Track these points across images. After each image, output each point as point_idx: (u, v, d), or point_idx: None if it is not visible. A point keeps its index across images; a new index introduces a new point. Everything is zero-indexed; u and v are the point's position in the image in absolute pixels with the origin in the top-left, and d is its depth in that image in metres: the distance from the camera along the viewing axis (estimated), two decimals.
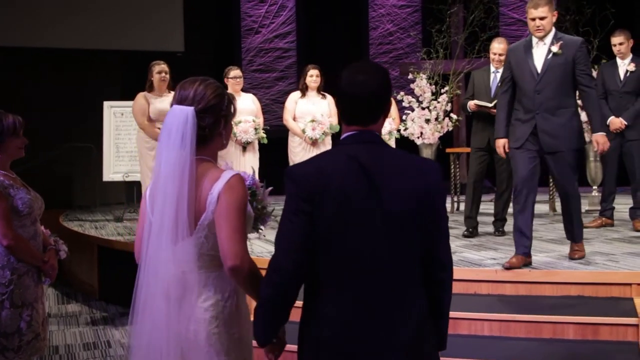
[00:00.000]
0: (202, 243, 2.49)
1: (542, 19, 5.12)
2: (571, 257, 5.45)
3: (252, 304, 2.45)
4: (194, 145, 2.47)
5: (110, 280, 7.20)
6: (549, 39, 5.17)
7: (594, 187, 8.68)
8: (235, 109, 2.67)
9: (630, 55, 7.08)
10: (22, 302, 3.59)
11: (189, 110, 2.47)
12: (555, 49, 5.12)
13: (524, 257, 5.18)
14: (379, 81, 2.34)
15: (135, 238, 2.69)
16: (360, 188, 2.25)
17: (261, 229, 3.09)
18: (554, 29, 5.21)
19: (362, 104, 2.33)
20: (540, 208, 8.83)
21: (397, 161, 2.34)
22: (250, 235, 2.89)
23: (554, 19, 5.21)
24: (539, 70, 5.15)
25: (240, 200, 2.48)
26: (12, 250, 3.54)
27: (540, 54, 5.18)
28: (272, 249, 5.85)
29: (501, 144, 5.37)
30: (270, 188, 3.15)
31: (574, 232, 5.46)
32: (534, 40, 5.23)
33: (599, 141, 5.19)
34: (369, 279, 2.26)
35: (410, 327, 2.28)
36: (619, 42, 7.06)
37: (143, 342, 2.52)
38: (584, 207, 8.60)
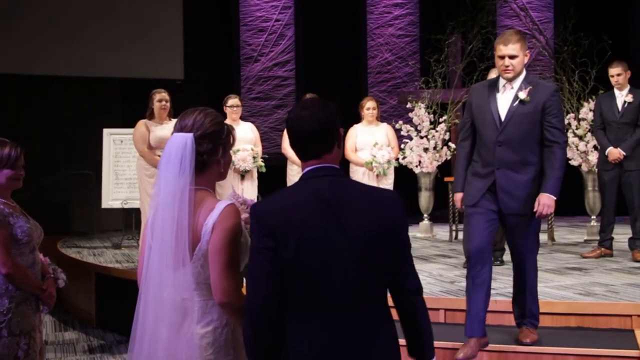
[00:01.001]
0: (199, 272, 2.50)
1: (512, 57, 4.36)
2: (522, 342, 4.59)
3: None
4: (192, 171, 2.50)
5: (107, 307, 7.16)
6: (517, 82, 4.41)
7: (592, 217, 8.66)
8: (234, 139, 2.69)
9: (628, 87, 7.11)
10: (20, 331, 3.56)
11: (188, 136, 2.51)
12: (523, 95, 4.34)
13: (479, 340, 4.43)
14: (324, 113, 2.38)
15: (138, 265, 2.70)
16: (324, 221, 2.27)
17: None
18: (525, 71, 4.46)
19: (311, 136, 2.37)
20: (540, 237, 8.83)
21: (358, 193, 2.37)
22: None
23: (527, 59, 4.48)
24: (503, 118, 4.36)
25: (233, 231, 2.49)
26: (11, 278, 3.52)
27: (505, 99, 4.41)
28: None
29: (458, 198, 4.67)
30: None
31: (527, 312, 4.60)
32: (501, 82, 4.46)
33: (542, 202, 4.30)
34: (337, 311, 2.27)
35: (381, 353, 2.33)
36: (617, 73, 7.09)
37: None
38: (583, 236, 8.64)
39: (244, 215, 2.68)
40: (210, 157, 2.57)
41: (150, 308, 2.52)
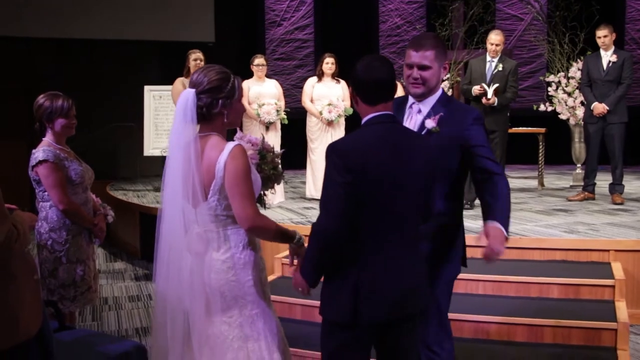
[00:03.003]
0: (215, 206, 2.57)
1: (423, 68, 2.85)
2: None
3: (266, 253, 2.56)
4: (194, 121, 2.56)
5: (150, 241, 7.24)
6: (429, 103, 2.91)
7: (578, 165, 8.65)
8: (241, 91, 2.70)
9: (613, 48, 7.00)
10: (77, 259, 3.66)
11: (190, 92, 2.58)
12: (430, 124, 2.86)
13: None
14: (390, 67, 2.53)
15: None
16: (392, 160, 2.42)
17: (273, 189, 3.09)
18: (441, 89, 2.96)
19: (383, 84, 2.49)
20: (530, 183, 8.83)
21: (412, 138, 2.57)
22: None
23: (444, 75, 3.08)
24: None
25: (243, 167, 2.54)
26: (67, 213, 3.60)
27: (410, 126, 2.92)
28: (280, 217, 5.84)
29: None
30: (282, 150, 3.22)
31: None
32: (409, 100, 2.99)
33: (491, 234, 2.69)
34: (397, 240, 2.46)
35: (420, 270, 2.57)
36: (603, 34, 6.97)
37: (171, 291, 2.62)
38: (569, 182, 8.61)
39: (250, 152, 2.77)
40: (210, 110, 2.60)
41: (172, 240, 2.63)
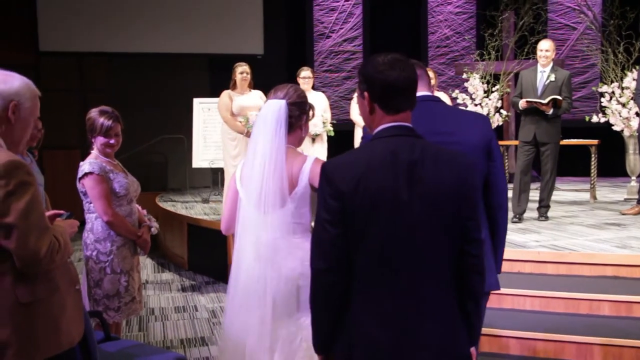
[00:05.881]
0: (292, 213, 2.68)
1: None
2: None
3: None
4: (286, 130, 2.69)
5: (197, 253, 7.36)
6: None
7: (632, 178, 8.41)
8: (314, 114, 2.89)
9: None
10: (121, 270, 3.72)
11: (282, 102, 2.71)
12: None
13: None
14: (412, 68, 2.12)
15: (225, 213, 2.87)
16: (399, 182, 1.96)
17: None
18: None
19: (409, 89, 2.07)
20: (582, 196, 8.63)
21: (435, 156, 2.01)
22: None
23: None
24: None
25: None
26: (111, 225, 3.68)
27: None
28: None
29: None
30: None
31: None
32: None
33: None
34: (403, 279, 1.97)
35: (443, 327, 2.00)
36: None
37: (239, 296, 2.72)
38: (623, 195, 8.39)
39: None
40: (297, 121, 2.76)
41: (245, 246, 2.71)
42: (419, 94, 2.18)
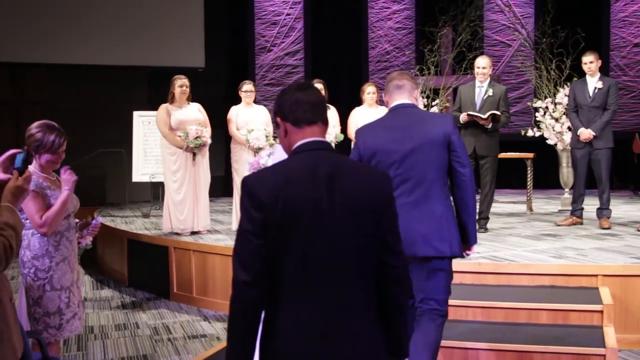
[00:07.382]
0: None
1: None
2: None
3: None
4: None
5: (138, 269, 7.23)
6: None
7: (565, 190, 8.69)
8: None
9: (599, 74, 7.07)
10: (61, 286, 3.62)
11: None
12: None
13: None
14: (318, 91, 2.22)
15: None
16: (317, 195, 1.99)
17: None
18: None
19: (316, 103, 2.16)
20: (519, 208, 8.87)
21: (351, 168, 2.09)
22: None
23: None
24: None
25: None
26: (49, 231, 3.54)
27: None
28: None
29: None
30: None
31: None
32: None
33: None
34: (326, 287, 1.99)
35: (366, 337, 2.03)
36: (590, 60, 7.05)
37: None
38: (558, 207, 8.66)
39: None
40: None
41: None
42: (398, 102, 3.03)
